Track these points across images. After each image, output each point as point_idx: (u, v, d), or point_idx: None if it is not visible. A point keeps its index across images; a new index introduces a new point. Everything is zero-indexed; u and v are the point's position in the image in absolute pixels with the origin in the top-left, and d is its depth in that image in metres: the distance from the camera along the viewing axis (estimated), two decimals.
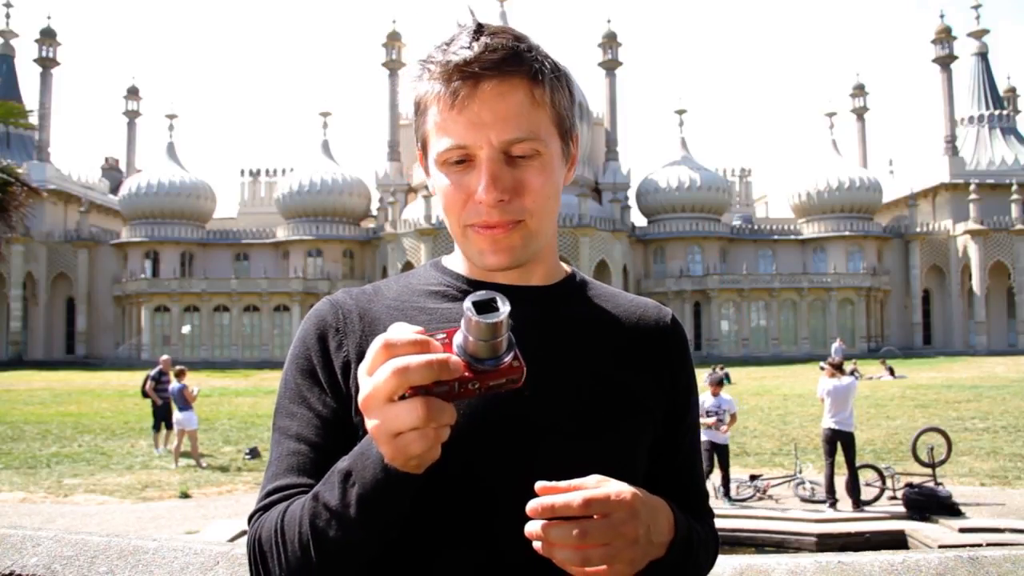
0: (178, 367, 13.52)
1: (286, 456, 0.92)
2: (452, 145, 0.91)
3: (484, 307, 0.72)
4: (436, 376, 0.70)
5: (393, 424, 0.72)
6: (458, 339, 0.73)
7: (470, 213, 0.93)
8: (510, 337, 0.74)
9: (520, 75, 0.91)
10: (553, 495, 0.78)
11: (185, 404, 12.42)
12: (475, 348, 0.72)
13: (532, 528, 0.78)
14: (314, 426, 0.93)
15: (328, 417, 0.93)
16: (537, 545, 0.78)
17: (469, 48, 0.90)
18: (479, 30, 0.91)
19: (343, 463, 0.80)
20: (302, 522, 0.81)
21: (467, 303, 0.72)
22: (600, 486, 0.80)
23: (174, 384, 12.88)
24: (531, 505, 0.78)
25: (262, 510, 0.89)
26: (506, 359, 0.73)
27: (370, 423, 0.74)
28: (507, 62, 0.90)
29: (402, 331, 0.74)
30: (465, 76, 0.89)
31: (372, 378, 0.72)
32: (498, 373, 0.73)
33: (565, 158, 1.00)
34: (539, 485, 0.79)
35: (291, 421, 0.94)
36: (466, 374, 0.71)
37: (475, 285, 1.00)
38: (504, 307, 0.72)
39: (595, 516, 0.78)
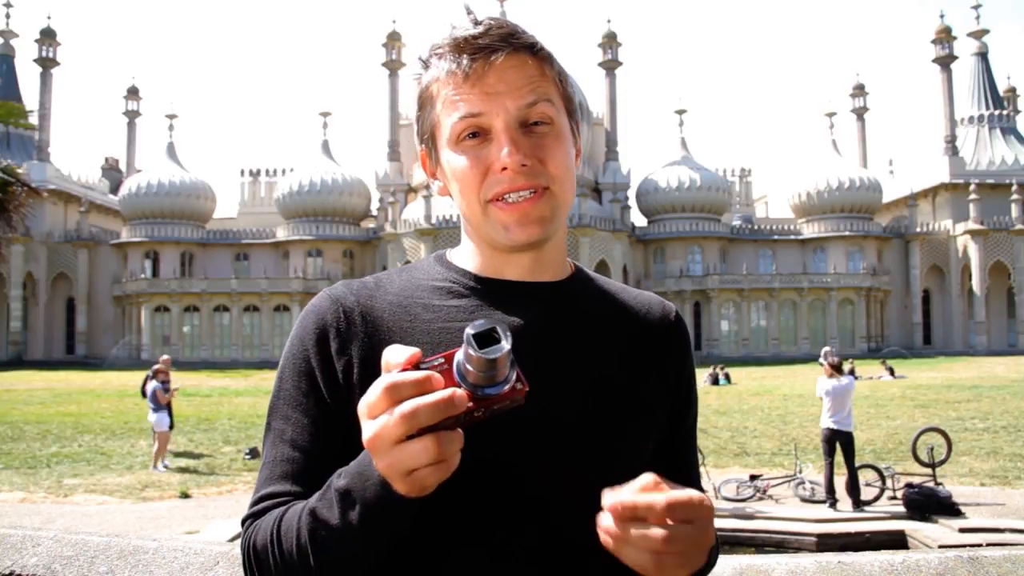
0: (155, 366, 13.06)
1: (280, 462, 0.91)
2: (467, 113, 0.91)
3: (485, 338, 0.70)
4: (444, 415, 0.69)
5: (407, 464, 0.71)
6: (458, 364, 0.72)
7: (491, 185, 0.91)
8: (512, 359, 0.72)
9: (528, 50, 0.93)
10: (632, 495, 0.75)
11: (159, 405, 12.11)
12: (476, 379, 0.71)
13: (607, 524, 0.75)
14: (309, 433, 0.91)
15: (324, 423, 0.91)
16: (606, 540, 0.76)
17: (475, 27, 0.91)
18: (478, 20, 0.93)
19: (341, 481, 0.79)
20: (300, 536, 0.81)
21: (467, 334, 0.70)
22: (665, 488, 0.76)
23: (152, 384, 12.47)
24: (610, 501, 0.75)
25: (254, 516, 0.89)
26: (509, 383, 0.72)
27: (380, 463, 0.73)
28: (515, 37, 0.92)
29: (397, 358, 0.73)
30: (476, 49, 0.90)
31: (377, 421, 0.71)
32: (501, 398, 0.72)
33: (574, 141, 0.99)
34: (607, 499, 0.76)
35: (286, 424, 0.93)
36: (470, 404, 0.71)
37: (482, 281, 0.98)
38: (506, 340, 0.70)
39: (671, 521, 0.75)
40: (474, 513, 0.89)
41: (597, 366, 0.97)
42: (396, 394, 0.70)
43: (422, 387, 0.70)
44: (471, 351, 0.70)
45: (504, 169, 0.90)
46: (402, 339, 0.92)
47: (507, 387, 0.72)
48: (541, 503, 0.90)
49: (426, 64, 0.95)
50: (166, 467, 11.77)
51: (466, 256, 1.01)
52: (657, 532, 0.74)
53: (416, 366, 0.72)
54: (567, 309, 0.99)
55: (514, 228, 0.92)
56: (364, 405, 0.72)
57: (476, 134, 0.91)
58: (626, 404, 0.96)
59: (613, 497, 0.76)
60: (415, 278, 1.01)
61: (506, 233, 0.93)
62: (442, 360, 0.73)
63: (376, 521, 0.77)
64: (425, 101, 0.96)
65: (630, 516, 0.75)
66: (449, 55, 0.92)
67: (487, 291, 0.97)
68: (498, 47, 0.90)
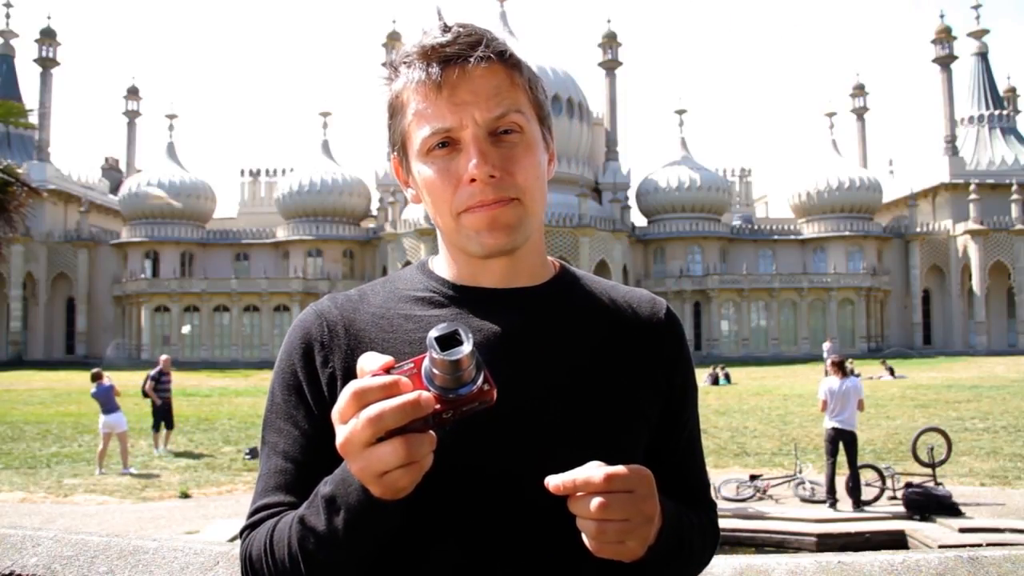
0: (95, 369, 12.68)
1: (274, 474, 0.94)
2: (436, 128, 0.91)
3: (448, 341, 0.72)
4: (410, 417, 0.71)
5: (377, 467, 0.72)
6: (425, 368, 0.74)
7: (462, 197, 0.92)
8: (478, 360, 0.74)
9: (497, 58, 0.92)
10: (572, 473, 0.79)
11: (113, 406, 11.85)
12: (443, 381, 0.72)
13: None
14: (300, 444, 0.93)
15: (314, 434, 0.93)
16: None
17: (443, 35, 0.91)
18: (447, 26, 0.92)
19: (326, 488, 0.80)
20: (291, 544, 0.83)
21: (430, 339, 0.72)
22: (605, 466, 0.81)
23: (94, 387, 12.10)
24: (552, 481, 0.79)
25: (250, 527, 0.91)
26: (476, 384, 0.73)
27: (352, 466, 0.74)
28: (484, 44, 0.91)
29: (371, 365, 0.75)
30: (444, 58, 0.90)
31: (347, 426, 0.72)
32: (469, 399, 0.73)
33: (546, 147, 0.99)
34: (550, 481, 0.80)
35: (278, 437, 0.95)
36: (437, 407, 0.72)
37: (460, 290, 0.99)
38: (467, 342, 0.72)
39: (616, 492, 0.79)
40: (452, 515, 0.90)
41: (575, 368, 0.96)
42: (363, 399, 0.72)
43: (388, 391, 0.72)
44: (434, 354, 0.71)
45: (473, 180, 0.90)
46: (384, 350, 0.93)
47: (474, 388, 0.73)
48: (518, 505, 0.90)
49: (395, 70, 0.95)
50: (132, 472, 11.49)
51: (445, 264, 1.02)
52: (595, 500, 0.78)
53: (388, 372, 0.74)
54: (545, 313, 0.99)
55: (485, 233, 0.92)
56: (335, 411, 0.74)
57: (446, 143, 0.92)
58: (607, 404, 0.96)
59: (555, 478, 0.79)
60: (397, 289, 1.02)
61: (478, 238, 0.93)
62: (411, 365, 0.74)
63: (360, 525, 0.78)
64: (395, 110, 0.97)
65: (571, 492, 0.79)
66: (418, 64, 0.92)
67: (465, 299, 0.98)
68: (467, 55, 0.90)
